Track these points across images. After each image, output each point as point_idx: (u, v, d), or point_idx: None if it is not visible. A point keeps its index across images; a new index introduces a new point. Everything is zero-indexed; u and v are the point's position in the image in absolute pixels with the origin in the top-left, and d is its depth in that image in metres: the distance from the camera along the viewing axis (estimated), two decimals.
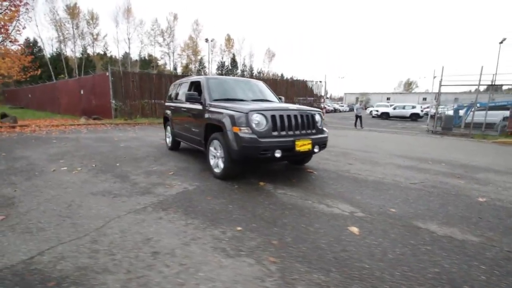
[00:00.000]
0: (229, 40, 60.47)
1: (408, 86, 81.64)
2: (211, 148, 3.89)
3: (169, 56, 55.01)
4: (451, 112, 14.88)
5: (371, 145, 7.47)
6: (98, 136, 7.90)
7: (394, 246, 2.07)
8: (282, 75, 62.48)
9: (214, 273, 1.68)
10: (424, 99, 55.26)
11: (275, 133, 3.39)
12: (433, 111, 14.50)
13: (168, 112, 5.78)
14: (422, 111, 23.92)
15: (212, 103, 4.00)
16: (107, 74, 13.56)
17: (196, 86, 4.85)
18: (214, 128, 3.89)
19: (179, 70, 54.28)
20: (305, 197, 3.08)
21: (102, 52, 50.32)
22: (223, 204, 2.84)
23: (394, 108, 24.83)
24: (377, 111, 25.75)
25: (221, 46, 59.82)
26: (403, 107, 24.56)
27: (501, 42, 27.80)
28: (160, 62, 55.61)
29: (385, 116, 24.34)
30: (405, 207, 2.85)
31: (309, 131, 3.71)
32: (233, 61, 63.34)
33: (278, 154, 3.31)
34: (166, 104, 6.08)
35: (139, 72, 17.29)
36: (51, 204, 2.74)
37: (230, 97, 4.31)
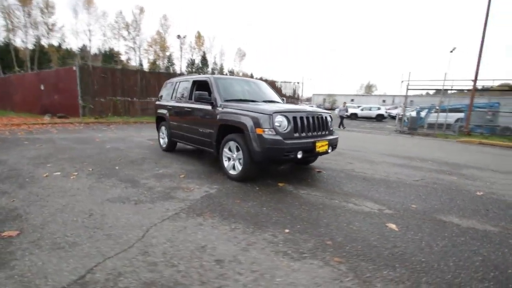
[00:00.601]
0: (199, 37, 59.09)
1: (369, 88, 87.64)
2: (225, 150, 3.80)
3: (135, 51, 52.08)
4: (414, 114, 16.35)
5: (358, 145, 7.90)
6: (75, 137, 7.21)
7: (434, 239, 2.24)
8: (251, 75, 62.83)
9: (291, 278, 1.66)
10: (384, 101, 59.82)
11: (296, 135, 3.43)
12: (401, 112, 15.74)
13: (164, 112, 5.49)
14: (386, 112, 25.86)
15: (225, 104, 3.90)
16: (74, 68, 12.42)
17: (200, 86, 4.68)
18: (228, 130, 3.80)
19: (146, 66, 51.64)
20: (330, 197, 3.17)
21: (58, 44, 45.76)
22: (255, 206, 2.80)
23: (362, 109, 26.47)
24: (346, 111, 27.18)
25: (191, 43, 58.18)
26: (370, 109, 26.29)
27: (451, 51, 31.13)
28: (124, 57, 52.38)
29: (354, 116, 25.81)
30: (422, 203, 3.08)
31: (324, 132, 3.81)
32: (204, 59, 62.07)
33: (300, 155, 3.36)
34: (160, 103, 5.77)
35: (112, 68, 16.12)
36: (67, 214, 2.46)
37: (240, 98, 4.25)
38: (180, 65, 55.78)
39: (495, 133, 13.57)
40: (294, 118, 3.43)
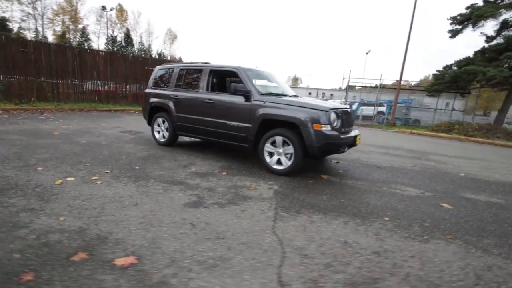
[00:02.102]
0: (121, 11, 51.60)
1: (295, 81, 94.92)
2: (268, 145, 3.74)
3: (35, 19, 41.81)
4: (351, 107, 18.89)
5: None
6: (19, 130, 5.63)
7: (482, 213, 2.87)
8: (180, 58, 58.83)
9: (439, 257, 1.93)
10: (310, 93, 66.13)
11: (343, 130, 3.69)
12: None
13: (164, 102, 4.87)
14: None
15: (265, 98, 3.80)
16: None
17: (220, 76, 4.36)
18: (270, 124, 3.74)
19: (51, 39, 42.26)
20: (374, 185, 3.58)
21: None
22: (331, 199, 2.95)
23: None
24: None
25: (111, 17, 50.35)
26: None
27: (367, 53, 36.55)
28: (20, 25, 41.45)
29: None
30: (439, 185, 3.81)
31: (353, 127, 4.19)
32: (127, 37, 54.73)
33: (346, 149, 3.64)
34: (156, 92, 5.08)
35: (35, 41, 12.69)
36: (165, 227, 2.08)
37: (270, 92, 4.20)
38: (97, 42, 48.02)
39: (408, 124, 17.02)
40: (341, 114, 3.67)
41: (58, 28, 44.91)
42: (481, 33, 13.06)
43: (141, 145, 5.00)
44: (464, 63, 12.12)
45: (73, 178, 3.01)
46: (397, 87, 14.79)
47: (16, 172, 3.08)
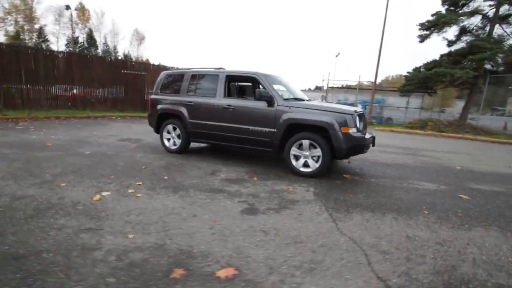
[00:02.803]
0: (83, 10, 48.40)
1: None
2: (294, 148, 3.85)
3: None
4: None
5: None
6: (7, 142, 5.11)
7: (494, 201, 3.24)
8: (147, 60, 56.75)
9: (509, 245, 2.19)
10: None
11: (364, 131, 3.91)
12: None
13: (176, 108, 4.74)
14: None
15: (289, 103, 3.90)
16: None
17: (236, 81, 4.36)
18: (295, 129, 3.85)
19: (2, 39, 38.25)
20: (395, 182, 3.84)
21: None
22: (371, 198, 3.11)
23: None
24: None
25: (71, 17, 46.92)
26: None
27: (336, 56, 38.32)
28: None
29: None
30: (447, 179, 4.19)
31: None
32: (90, 38, 51.48)
33: (366, 150, 3.88)
34: (165, 98, 4.93)
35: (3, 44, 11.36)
36: (241, 237, 2.08)
37: (290, 97, 4.31)
38: (57, 43, 44.64)
39: (382, 122, 18.19)
40: (361, 116, 3.90)
41: (11, 28, 40.82)
42: (443, 38, 14.50)
43: (151, 154, 4.82)
44: (431, 65, 13.33)
45: (108, 193, 2.84)
46: (373, 88, 15.77)
47: (39, 190, 2.83)
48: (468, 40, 12.21)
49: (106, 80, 13.10)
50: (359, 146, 3.63)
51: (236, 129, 4.23)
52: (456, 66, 11.42)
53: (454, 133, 10.83)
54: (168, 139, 5.02)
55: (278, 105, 3.92)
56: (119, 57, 49.24)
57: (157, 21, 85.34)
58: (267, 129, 3.99)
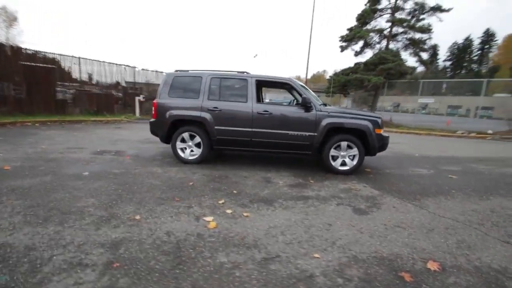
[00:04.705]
0: None
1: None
2: (333, 150, 4.19)
3: None
4: None
5: None
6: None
7: (474, 177, 4.51)
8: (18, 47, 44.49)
9: None
10: None
11: None
12: None
13: (201, 114, 4.25)
14: None
15: (327, 109, 4.20)
16: None
17: (270, 87, 4.30)
18: (333, 132, 4.20)
19: None
20: (402, 170, 4.75)
21: None
22: (415, 185, 3.83)
23: None
24: None
25: None
26: None
27: (254, 57, 40.41)
28: None
29: None
30: (424, 164, 5.45)
31: None
32: None
33: None
34: (183, 103, 4.34)
35: None
36: (396, 236, 2.29)
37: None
38: None
39: None
40: None
41: None
42: (352, 49, 17.77)
43: (168, 166, 4.19)
44: (349, 71, 16.18)
45: (210, 218, 2.47)
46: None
47: (120, 229, 2.19)
48: (367, 52, 15.67)
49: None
50: (386, 144, 4.33)
51: (274, 135, 4.23)
52: (370, 73, 14.39)
53: None
54: (184, 149, 4.47)
55: (317, 111, 4.18)
56: None
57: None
58: (307, 133, 4.19)
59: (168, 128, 4.40)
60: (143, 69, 14.63)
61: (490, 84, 33.35)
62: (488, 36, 60.24)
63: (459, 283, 1.72)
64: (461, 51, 62.14)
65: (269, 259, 1.88)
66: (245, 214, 2.60)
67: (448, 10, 14.41)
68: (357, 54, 17.67)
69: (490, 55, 60.94)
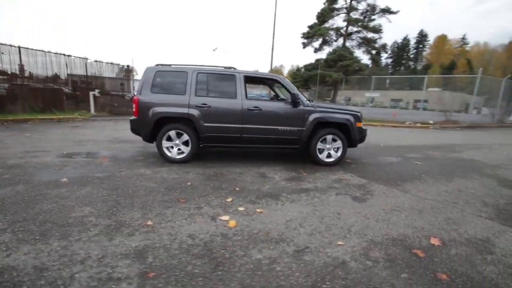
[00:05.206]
0: None
1: (128, 72, 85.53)
2: (319, 143, 4.42)
3: None
4: None
5: None
6: None
7: (435, 162, 5.18)
8: None
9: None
10: None
11: None
12: None
13: (188, 111, 4.07)
14: None
15: (314, 104, 4.39)
16: None
17: (253, 82, 4.30)
18: (319, 126, 4.41)
19: None
20: (376, 159, 5.23)
21: None
22: (389, 173, 4.25)
23: None
24: None
25: None
26: None
27: (214, 50, 39.49)
28: None
29: None
30: (391, 153, 6.06)
31: None
32: None
33: None
34: (169, 99, 4.11)
35: None
36: (405, 216, 2.55)
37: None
38: None
39: None
40: None
41: None
42: (312, 46, 18.61)
43: (155, 167, 3.96)
44: (310, 67, 16.93)
45: (226, 217, 2.45)
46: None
47: (136, 237, 2.05)
48: (325, 49, 16.70)
49: None
50: (364, 136, 4.71)
51: (264, 130, 4.28)
52: (331, 69, 15.30)
53: None
54: (171, 147, 4.26)
55: (304, 106, 4.34)
56: None
57: None
58: (296, 128, 4.34)
59: (153, 127, 4.14)
60: (96, 61, 13.27)
61: (425, 80, 38.03)
62: (422, 37, 68.32)
63: (460, 254, 2.03)
64: (400, 50, 69.40)
65: (300, 251, 1.97)
66: (258, 210, 2.63)
67: (396, 12, 16.01)
68: (316, 50, 18.60)
69: (424, 53, 69.27)
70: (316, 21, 16.82)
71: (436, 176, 4.18)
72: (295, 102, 4.32)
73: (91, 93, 12.11)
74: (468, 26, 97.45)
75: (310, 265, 1.80)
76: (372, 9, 16.24)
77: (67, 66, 12.42)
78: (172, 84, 4.23)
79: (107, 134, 7.06)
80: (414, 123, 13.75)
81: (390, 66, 70.38)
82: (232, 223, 2.33)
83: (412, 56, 70.39)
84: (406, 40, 68.81)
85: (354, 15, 16.95)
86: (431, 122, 13.90)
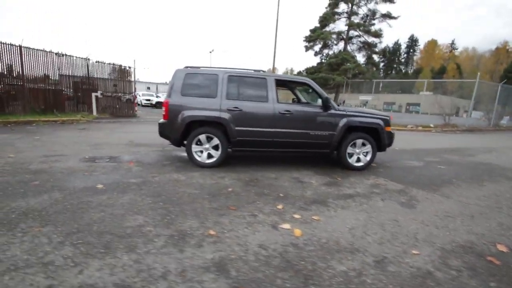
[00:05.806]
0: None
1: (122, 73, 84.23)
2: (349, 147, 4.39)
3: None
4: None
5: None
6: None
7: (457, 166, 5.24)
8: None
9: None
10: (148, 88, 61.84)
11: None
12: None
13: (220, 115, 3.98)
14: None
15: (344, 109, 4.37)
16: None
17: (288, 87, 4.26)
18: (350, 131, 4.38)
19: None
20: (399, 163, 5.24)
21: None
22: (422, 177, 4.26)
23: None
24: (148, 100, 25.78)
25: None
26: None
27: (210, 52, 39.39)
28: None
29: (159, 105, 25.37)
30: (410, 156, 6.09)
31: None
32: None
33: None
34: (199, 103, 4.02)
35: None
36: (461, 222, 2.53)
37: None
38: None
39: None
40: None
41: None
42: (312, 49, 18.74)
43: (187, 172, 3.84)
44: (312, 70, 17.03)
45: (287, 225, 2.37)
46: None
47: (213, 246, 1.95)
48: (325, 52, 16.85)
49: None
50: (393, 140, 4.72)
51: (296, 134, 4.23)
52: (334, 72, 15.43)
53: None
54: (200, 152, 4.15)
55: (335, 110, 4.31)
56: None
57: None
58: (327, 132, 4.30)
59: (183, 130, 4.03)
60: (97, 62, 12.95)
61: (416, 84, 38.85)
62: (413, 42, 70.00)
63: None
64: (391, 54, 70.85)
65: (380, 261, 1.91)
66: (314, 217, 2.57)
67: (396, 18, 16.33)
68: (316, 54, 18.73)
69: (415, 58, 70.93)
70: (318, 25, 17.01)
71: (466, 181, 4.21)
72: (326, 106, 4.28)
73: (93, 94, 11.82)
74: (456, 31, 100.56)
75: (399, 277, 1.74)
76: (372, 14, 16.53)
77: (67, 67, 12.08)
78: (202, 87, 4.13)
79: (119, 137, 6.86)
80: (415, 126, 13.97)
81: (381, 70, 71.75)
82: (297, 232, 2.26)
83: (403, 60, 72.02)
84: (397, 45, 70.37)
85: (355, 19, 17.19)
86: (431, 125, 14.16)
